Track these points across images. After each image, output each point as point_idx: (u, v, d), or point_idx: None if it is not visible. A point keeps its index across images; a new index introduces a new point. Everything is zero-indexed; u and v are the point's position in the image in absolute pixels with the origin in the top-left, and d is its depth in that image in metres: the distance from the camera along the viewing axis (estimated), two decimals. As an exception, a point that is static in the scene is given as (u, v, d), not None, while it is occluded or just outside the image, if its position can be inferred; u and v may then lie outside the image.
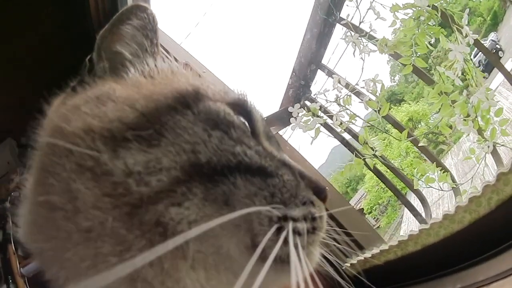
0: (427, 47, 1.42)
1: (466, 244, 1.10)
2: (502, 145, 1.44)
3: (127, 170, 0.44)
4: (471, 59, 1.41)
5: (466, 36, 1.36)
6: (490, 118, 1.40)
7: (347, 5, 1.57)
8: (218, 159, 0.47)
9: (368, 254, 1.58)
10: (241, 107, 0.60)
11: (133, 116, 0.48)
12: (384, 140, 1.73)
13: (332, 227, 1.80)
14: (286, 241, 0.46)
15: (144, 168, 0.44)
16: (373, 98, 1.65)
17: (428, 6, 1.39)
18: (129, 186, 0.43)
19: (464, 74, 1.39)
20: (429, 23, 1.43)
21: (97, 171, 0.44)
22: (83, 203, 0.42)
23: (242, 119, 0.57)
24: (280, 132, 2.04)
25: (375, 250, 1.53)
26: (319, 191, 0.58)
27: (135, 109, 0.49)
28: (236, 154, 0.49)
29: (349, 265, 1.71)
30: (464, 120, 1.41)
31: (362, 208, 10.40)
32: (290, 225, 0.47)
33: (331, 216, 1.83)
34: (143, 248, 0.41)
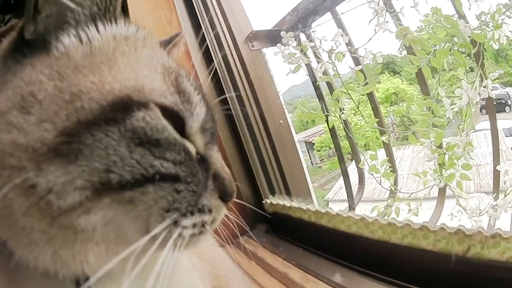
0: (443, 64, 1.34)
1: (366, 253, 1.16)
2: (452, 191, 1.46)
3: (48, 188, 0.49)
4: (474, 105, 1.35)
5: (485, 87, 1.29)
6: (456, 164, 1.40)
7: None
8: (132, 176, 0.51)
9: (287, 203, 1.63)
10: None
11: (53, 136, 0.49)
12: (362, 96, 1.69)
13: (270, 161, 1.85)
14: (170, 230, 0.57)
15: (62, 186, 0.49)
16: (365, 70, 1.58)
17: (469, 37, 1.28)
18: (50, 201, 0.50)
19: (459, 112, 1.34)
20: (459, 48, 1.34)
21: (24, 185, 0.49)
22: (17, 209, 0.51)
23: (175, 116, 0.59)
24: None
25: (295, 204, 1.58)
26: (225, 195, 0.65)
27: (55, 128, 0.50)
28: (153, 166, 0.53)
29: (269, 202, 1.77)
30: (433, 148, 1.39)
31: (313, 143, 10.63)
32: (177, 231, 0.57)
33: (274, 151, 1.86)
34: (61, 240, 0.52)
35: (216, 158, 0.67)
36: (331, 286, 1.17)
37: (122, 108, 0.52)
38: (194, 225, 0.59)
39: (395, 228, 1.02)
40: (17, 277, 0.58)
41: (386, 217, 1.60)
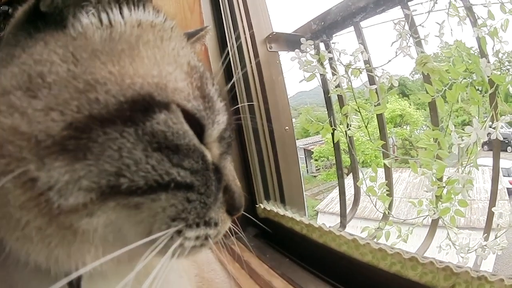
0: (458, 100, 1.35)
1: (353, 273, 1.15)
2: (444, 224, 1.47)
3: (50, 184, 0.45)
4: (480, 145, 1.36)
5: (494, 128, 1.29)
6: (453, 199, 1.40)
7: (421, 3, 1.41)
8: (145, 182, 0.48)
9: (281, 211, 1.62)
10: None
11: (60, 128, 0.44)
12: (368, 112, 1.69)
13: (270, 167, 1.83)
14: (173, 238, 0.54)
15: (65, 185, 0.45)
16: (379, 90, 1.57)
17: (488, 77, 1.28)
18: (50, 198, 0.45)
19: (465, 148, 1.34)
20: (476, 85, 1.34)
21: (23, 177, 0.45)
22: (13, 201, 0.46)
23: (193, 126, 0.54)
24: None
25: (289, 213, 1.57)
26: (233, 209, 0.62)
27: (64, 119, 0.45)
28: (169, 174, 0.50)
29: (262, 207, 1.76)
30: (433, 180, 1.40)
31: (312, 152, 10.68)
32: (178, 241, 0.53)
33: (275, 157, 1.85)
34: (58, 239, 0.49)
35: (229, 169, 0.63)
36: (313, 301, 1.16)
37: (142, 107, 0.47)
38: (197, 237, 0.56)
39: (385, 254, 1.02)
40: (6, 268, 0.54)
41: (375, 240, 1.60)
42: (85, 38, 0.50)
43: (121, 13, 0.55)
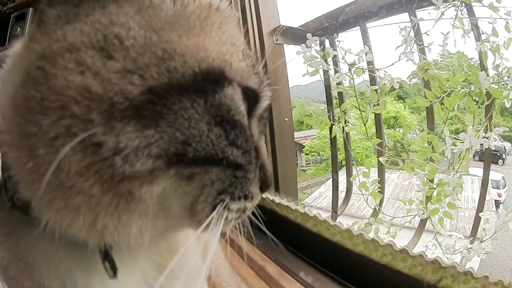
0: (454, 108, 1.40)
1: (345, 262, 1.20)
2: (432, 225, 1.53)
3: (117, 149, 0.44)
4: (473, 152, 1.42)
5: (488, 138, 1.35)
6: (443, 200, 1.46)
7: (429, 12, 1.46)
8: (204, 153, 0.49)
9: (277, 199, 1.65)
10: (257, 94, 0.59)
11: (139, 91, 0.44)
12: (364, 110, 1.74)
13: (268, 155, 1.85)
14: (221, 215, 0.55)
15: (133, 151, 0.44)
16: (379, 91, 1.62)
17: (486, 89, 1.34)
18: (114, 163, 0.44)
19: (458, 154, 1.40)
20: (474, 96, 1.39)
21: (87, 141, 0.43)
22: (68, 166, 0.44)
23: (246, 104, 0.56)
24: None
25: (284, 202, 1.61)
26: (265, 186, 0.63)
27: (144, 83, 0.44)
28: (224, 152, 0.51)
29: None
30: (425, 180, 1.45)
31: (303, 146, 10.62)
32: (225, 214, 0.55)
33: (273, 146, 1.88)
34: (110, 209, 0.48)
35: (264, 149, 0.64)
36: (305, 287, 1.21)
37: (214, 79, 0.49)
38: (238, 210, 0.57)
39: (377, 245, 1.07)
40: (40, 243, 0.56)
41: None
42: (160, 9, 0.51)
43: None
